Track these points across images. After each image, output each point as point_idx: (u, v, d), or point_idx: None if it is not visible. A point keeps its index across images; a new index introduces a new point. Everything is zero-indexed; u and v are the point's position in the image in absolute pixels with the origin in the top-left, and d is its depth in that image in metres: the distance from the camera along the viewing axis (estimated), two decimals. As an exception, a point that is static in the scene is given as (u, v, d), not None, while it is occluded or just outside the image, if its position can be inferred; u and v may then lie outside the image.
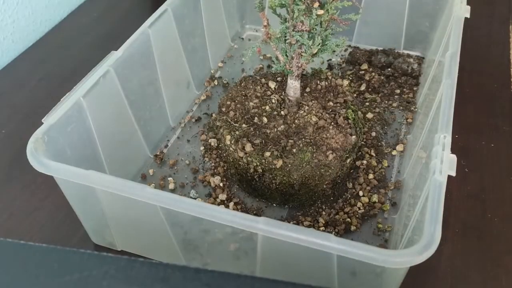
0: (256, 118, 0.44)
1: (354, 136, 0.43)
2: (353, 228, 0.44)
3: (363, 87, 0.57)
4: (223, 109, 0.45)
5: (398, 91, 0.57)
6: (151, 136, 0.51)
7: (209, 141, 0.52)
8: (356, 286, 0.34)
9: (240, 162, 0.43)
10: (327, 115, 0.44)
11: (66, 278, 0.22)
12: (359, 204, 0.46)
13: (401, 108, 0.55)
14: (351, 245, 0.30)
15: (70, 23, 0.73)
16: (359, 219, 0.44)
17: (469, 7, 0.49)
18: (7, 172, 0.50)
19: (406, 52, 0.62)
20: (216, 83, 0.60)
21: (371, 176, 0.48)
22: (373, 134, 0.52)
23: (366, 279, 0.34)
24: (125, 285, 0.22)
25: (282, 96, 0.46)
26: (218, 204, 0.46)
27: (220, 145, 0.47)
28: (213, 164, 0.50)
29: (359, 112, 0.46)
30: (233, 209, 0.46)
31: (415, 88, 0.57)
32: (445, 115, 0.37)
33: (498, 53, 0.63)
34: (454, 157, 0.35)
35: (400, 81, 0.58)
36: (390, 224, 0.44)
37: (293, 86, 0.44)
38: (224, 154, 0.46)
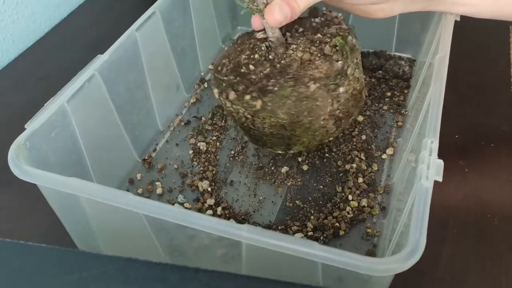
0: (244, 67, 0.42)
1: (340, 62, 0.40)
2: (341, 232, 0.43)
3: (353, 90, 0.57)
4: (218, 68, 0.44)
5: (389, 93, 0.56)
6: (139, 140, 0.50)
7: (198, 144, 0.52)
8: (342, 293, 0.34)
9: (232, 113, 0.43)
10: (313, 47, 0.41)
11: (66, 278, 0.23)
12: (348, 208, 0.45)
13: (392, 111, 0.55)
14: (334, 253, 0.29)
15: (70, 23, 0.73)
16: (348, 223, 0.44)
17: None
18: (6, 172, 0.50)
19: (397, 54, 0.62)
20: (206, 86, 0.60)
21: (360, 180, 0.47)
22: (363, 137, 0.52)
23: (353, 286, 0.34)
24: (125, 285, 0.22)
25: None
26: (206, 209, 0.46)
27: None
28: (201, 168, 0.49)
29: (350, 37, 0.42)
30: (221, 214, 0.45)
31: (405, 91, 0.57)
32: (433, 120, 0.37)
33: (498, 53, 0.63)
34: (441, 162, 0.34)
35: (391, 83, 0.58)
36: (379, 229, 0.44)
37: (268, 26, 0.41)
38: (225, 112, 0.45)
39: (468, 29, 0.63)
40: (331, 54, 0.40)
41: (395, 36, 0.61)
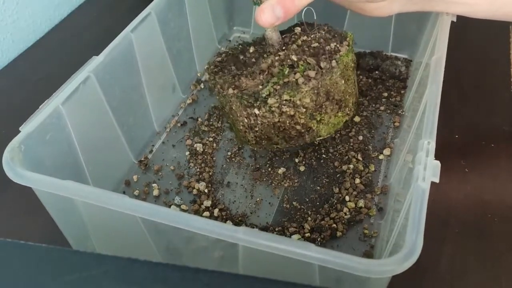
0: (248, 47, 0.46)
1: (260, 86, 0.40)
2: (339, 234, 0.43)
3: (350, 90, 0.57)
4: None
5: (385, 94, 0.56)
6: (135, 141, 0.50)
7: (195, 146, 0.52)
8: (340, 294, 0.34)
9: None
10: (283, 63, 0.41)
11: (66, 278, 0.23)
12: (345, 209, 0.45)
13: (388, 111, 0.54)
14: (331, 255, 0.29)
15: (70, 23, 0.73)
16: (345, 224, 0.44)
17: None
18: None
19: (394, 54, 0.62)
20: (202, 87, 0.60)
21: (357, 180, 0.47)
22: (360, 138, 0.51)
23: (350, 287, 0.34)
24: (125, 285, 0.22)
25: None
26: (203, 211, 0.45)
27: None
28: (198, 169, 0.49)
29: (307, 73, 0.40)
30: (218, 216, 0.45)
31: (402, 91, 0.57)
32: (429, 121, 0.37)
33: (498, 53, 0.63)
34: (437, 163, 0.34)
35: (387, 84, 0.57)
36: (376, 230, 0.44)
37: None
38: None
39: (468, 30, 0.64)
40: (280, 78, 0.40)
41: (391, 37, 0.61)
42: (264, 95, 0.40)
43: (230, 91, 0.41)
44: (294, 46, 0.42)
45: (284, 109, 0.40)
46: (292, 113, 0.41)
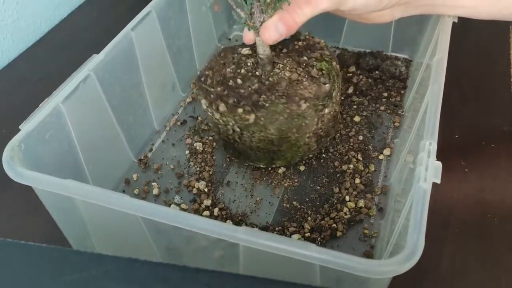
0: (231, 81, 0.44)
1: (327, 85, 0.43)
2: (339, 234, 0.43)
3: (350, 90, 0.56)
4: (202, 79, 0.46)
5: (385, 94, 0.56)
6: (135, 140, 0.50)
7: (195, 145, 0.52)
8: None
9: (219, 125, 0.45)
10: (300, 69, 0.43)
11: (66, 278, 0.23)
12: (345, 209, 0.45)
13: (389, 111, 0.54)
14: (332, 255, 0.29)
15: (70, 23, 0.73)
16: (345, 224, 0.44)
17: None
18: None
19: (394, 54, 0.62)
20: (202, 86, 0.59)
21: (357, 180, 0.47)
22: (360, 138, 0.51)
23: (351, 287, 0.33)
24: (125, 285, 0.22)
25: (256, 58, 0.45)
26: (203, 210, 0.45)
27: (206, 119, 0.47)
28: (198, 168, 0.49)
29: (335, 63, 0.45)
30: (218, 215, 0.45)
31: (402, 91, 0.57)
32: (431, 122, 0.37)
33: (498, 53, 0.63)
34: (439, 164, 0.34)
35: (387, 84, 0.57)
36: (376, 230, 0.44)
37: (261, 43, 0.43)
38: (209, 123, 0.47)
39: (468, 30, 0.64)
40: (318, 76, 0.43)
41: (391, 37, 0.61)
42: (332, 91, 0.43)
43: (304, 105, 0.42)
44: (281, 54, 0.45)
45: (338, 97, 0.45)
46: (338, 98, 0.46)
